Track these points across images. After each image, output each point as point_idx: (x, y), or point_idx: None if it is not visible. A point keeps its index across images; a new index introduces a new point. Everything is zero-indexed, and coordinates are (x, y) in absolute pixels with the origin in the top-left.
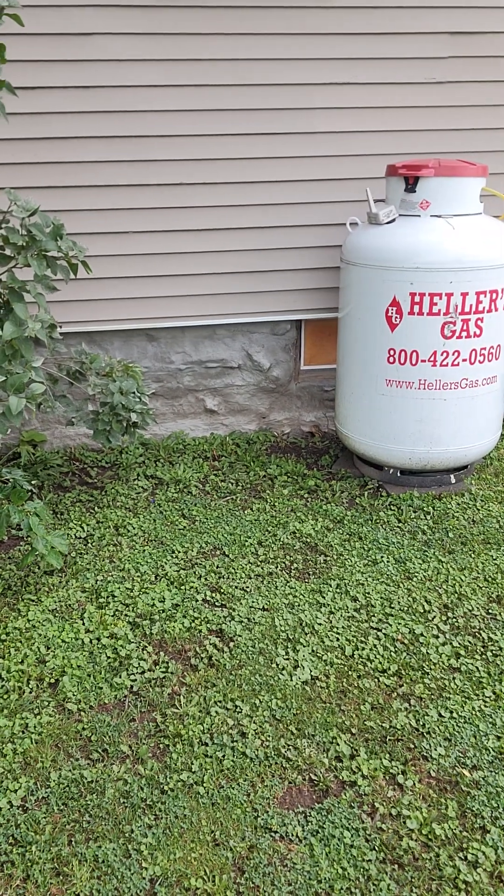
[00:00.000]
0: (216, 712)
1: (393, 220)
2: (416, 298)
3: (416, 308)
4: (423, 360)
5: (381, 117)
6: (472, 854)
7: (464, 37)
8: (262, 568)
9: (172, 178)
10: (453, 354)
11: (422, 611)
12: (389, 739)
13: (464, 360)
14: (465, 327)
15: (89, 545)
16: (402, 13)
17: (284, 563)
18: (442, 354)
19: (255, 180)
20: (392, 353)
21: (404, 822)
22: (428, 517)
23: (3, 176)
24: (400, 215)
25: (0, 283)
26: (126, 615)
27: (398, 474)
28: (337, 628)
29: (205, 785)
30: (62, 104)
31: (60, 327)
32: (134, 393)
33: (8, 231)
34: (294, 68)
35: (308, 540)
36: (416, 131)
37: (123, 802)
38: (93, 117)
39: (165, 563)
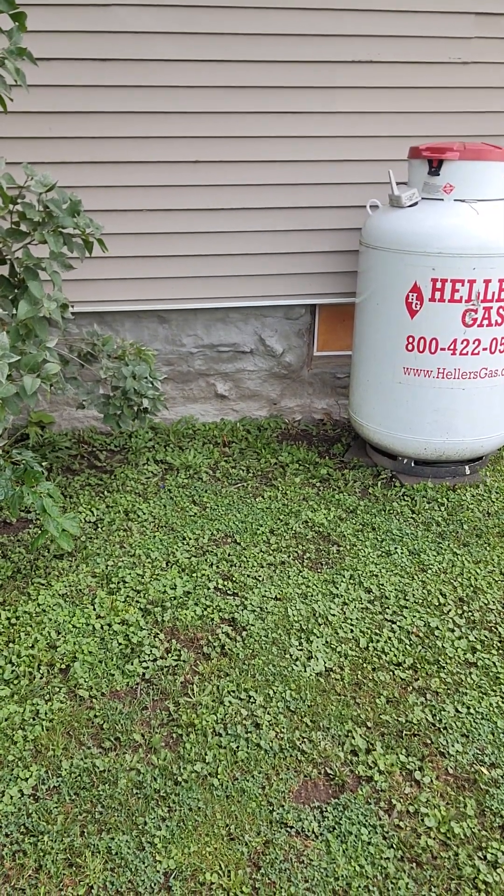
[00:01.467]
0: (230, 702)
1: (415, 204)
2: (438, 284)
3: (438, 294)
4: (443, 349)
5: (405, 98)
6: (492, 854)
7: (489, 18)
8: (274, 557)
9: (187, 156)
10: (474, 343)
11: (437, 604)
12: (406, 734)
13: (484, 350)
14: (486, 315)
15: (99, 530)
16: None
17: (297, 552)
18: (462, 343)
19: (273, 159)
20: (411, 340)
21: (422, 820)
22: (442, 508)
23: (18, 150)
24: (422, 199)
25: (16, 260)
26: (137, 601)
27: (412, 464)
28: (351, 620)
29: (219, 777)
30: (78, 77)
31: (72, 307)
32: (146, 378)
33: (24, 207)
34: (315, 44)
35: (321, 529)
36: (440, 113)
37: (136, 793)
38: (109, 91)
39: (176, 550)
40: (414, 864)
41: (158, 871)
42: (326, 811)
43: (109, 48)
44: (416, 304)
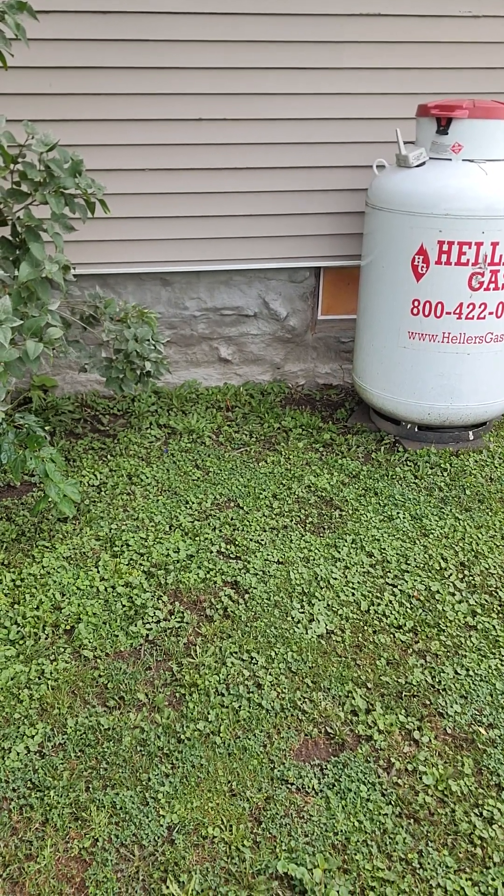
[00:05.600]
0: (232, 663)
1: (423, 164)
2: (445, 247)
3: (444, 257)
4: (449, 313)
5: (414, 53)
6: (488, 811)
7: None
8: (276, 521)
9: (191, 114)
10: (480, 307)
11: (438, 568)
12: (405, 695)
13: (490, 314)
14: (493, 279)
15: (103, 493)
16: None
17: (299, 516)
18: (468, 307)
19: (278, 117)
20: (416, 304)
21: (420, 778)
22: (445, 474)
23: (18, 107)
24: (430, 158)
25: (17, 221)
26: (141, 564)
27: (416, 429)
28: (352, 583)
29: (221, 735)
30: (78, 30)
31: (74, 269)
32: (149, 340)
33: (25, 166)
34: None
35: (323, 494)
36: (450, 69)
37: (140, 750)
38: (110, 45)
39: (179, 514)
40: (412, 820)
41: (162, 825)
42: (326, 769)
43: (110, 0)
44: (423, 267)
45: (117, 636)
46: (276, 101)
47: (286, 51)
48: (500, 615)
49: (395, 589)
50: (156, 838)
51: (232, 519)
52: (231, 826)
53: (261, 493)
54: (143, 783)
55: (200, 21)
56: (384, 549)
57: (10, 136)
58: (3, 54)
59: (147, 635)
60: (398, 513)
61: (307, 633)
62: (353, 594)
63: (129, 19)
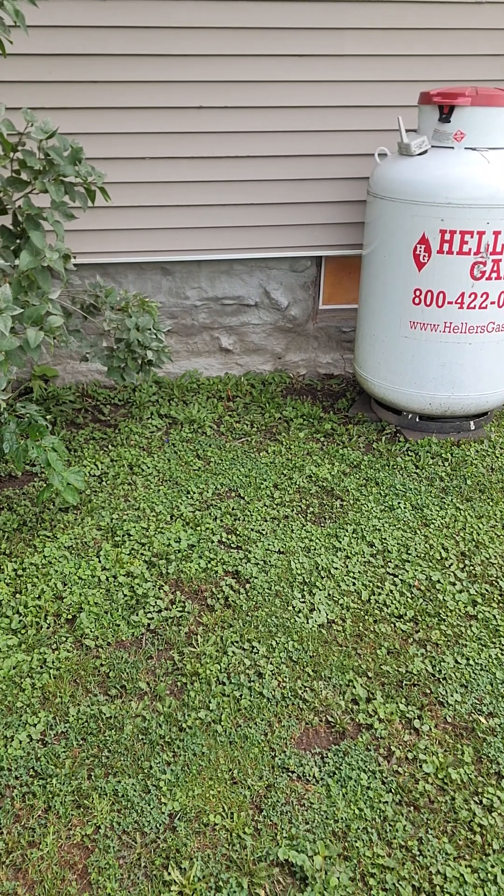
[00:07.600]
0: (233, 652)
1: (425, 152)
2: (447, 236)
3: (446, 246)
4: (450, 302)
5: (417, 40)
6: (488, 798)
7: None
8: (277, 511)
9: (191, 101)
10: (482, 296)
11: (439, 558)
12: (405, 684)
13: (492, 303)
14: (495, 268)
15: (104, 483)
16: None
17: (300, 506)
18: (470, 296)
19: (279, 105)
20: (418, 293)
21: (420, 766)
22: (446, 464)
23: (17, 94)
24: (432, 146)
25: (17, 209)
26: (142, 554)
27: (417, 419)
28: (353, 573)
29: (222, 723)
30: (78, 17)
31: (74, 257)
32: (150, 330)
33: (25, 154)
34: None
35: (324, 484)
36: (453, 56)
37: (142, 739)
38: (110, 32)
39: (181, 504)
40: (412, 807)
41: (164, 813)
42: (327, 757)
43: None
44: (424, 256)
45: (119, 625)
46: (277, 88)
47: (287, 38)
48: (501, 605)
49: (395, 578)
50: (157, 825)
51: (233, 509)
52: (232, 813)
53: (262, 483)
54: (145, 771)
55: (201, 7)
56: (385, 538)
57: (9, 124)
58: (1, 42)
59: (148, 625)
60: (399, 503)
61: (308, 623)
62: (354, 584)
63: (128, 6)
